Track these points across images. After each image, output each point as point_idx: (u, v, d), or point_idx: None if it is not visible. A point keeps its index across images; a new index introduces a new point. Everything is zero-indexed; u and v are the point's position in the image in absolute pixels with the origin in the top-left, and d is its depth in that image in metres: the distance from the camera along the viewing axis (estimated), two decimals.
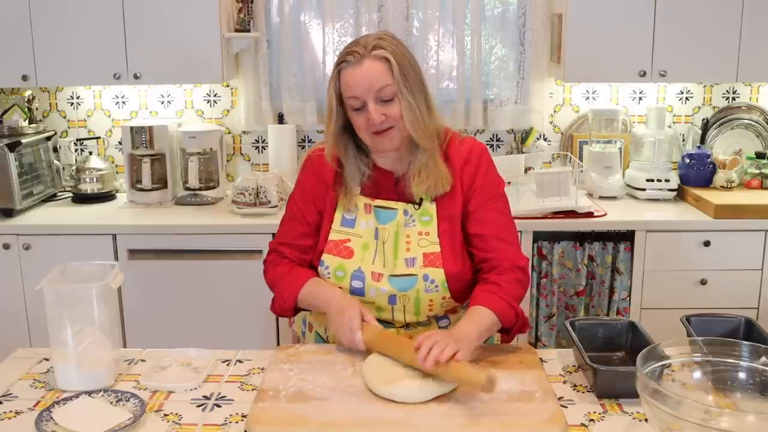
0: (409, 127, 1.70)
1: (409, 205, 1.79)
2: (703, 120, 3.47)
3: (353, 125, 1.74)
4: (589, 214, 3.03)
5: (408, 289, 1.76)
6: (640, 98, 3.55)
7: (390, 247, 1.77)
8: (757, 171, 3.32)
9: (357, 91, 1.68)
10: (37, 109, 3.49)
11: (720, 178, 3.30)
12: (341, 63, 1.70)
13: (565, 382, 1.62)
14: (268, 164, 3.51)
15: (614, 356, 1.72)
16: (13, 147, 3.11)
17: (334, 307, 1.73)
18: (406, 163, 1.79)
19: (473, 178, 1.79)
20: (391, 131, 1.71)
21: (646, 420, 1.43)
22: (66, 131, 3.60)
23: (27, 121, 3.41)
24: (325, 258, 1.80)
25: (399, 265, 1.76)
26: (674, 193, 3.29)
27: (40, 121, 3.53)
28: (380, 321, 1.78)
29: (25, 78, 3.18)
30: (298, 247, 1.86)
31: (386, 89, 1.68)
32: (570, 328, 1.72)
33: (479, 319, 1.66)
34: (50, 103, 3.57)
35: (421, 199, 1.78)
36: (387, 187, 1.81)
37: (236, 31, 3.30)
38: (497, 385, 1.44)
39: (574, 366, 1.71)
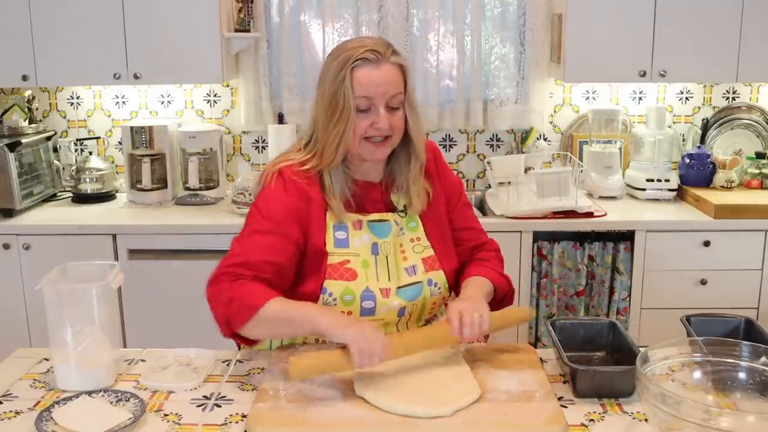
0: (414, 136, 1.71)
1: (395, 215, 1.77)
2: (703, 120, 3.46)
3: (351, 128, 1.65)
4: (589, 214, 3.03)
5: (416, 297, 1.73)
6: (640, 98, 3.55)
7: (392, 259, 1.73)
8: (757, 171, 3.32)
9: (371, 92, 1.62)
10: (37, 109, 3.49)
11: (720, 178, 3.30)
12: (357, 60, 1.62)
13: (565, 382, 1.62)
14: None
15: (594, 356, 1.72)
16: (13, 147, 3.11)
17: (335, 320, 1.54)
18: (382, 171, 1.77)
19: (445, 176, 1.86)
20: (387, 142, 1.68)
21: (646, 420, 1.43)
22: (66, 131, 3.60)
23: (27, 121, 3.41)
24: (328, 285, 1.67)
25: (402, 276, 1.73)
26: (674, 193, 3.29)
27: (40, 121, 3.53)
28: None
29: (25, 78, 3.18)
30: (274, 265, 1.65)
31: (397, 97, 1.65)
32: (551, 328, 1.72)
33: (480, 285, 1.75)
34: (50, 103, 3.57)
35: (405, 207, 1.78)
36: (372, 198, 1.76)
37: (236, 31, 3.30)
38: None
39: None
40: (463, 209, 1.89)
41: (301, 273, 1.71)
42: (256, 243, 1.65)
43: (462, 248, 1.87)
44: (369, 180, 1.76)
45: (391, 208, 1.77)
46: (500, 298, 1.82)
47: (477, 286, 1.74)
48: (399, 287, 1.72)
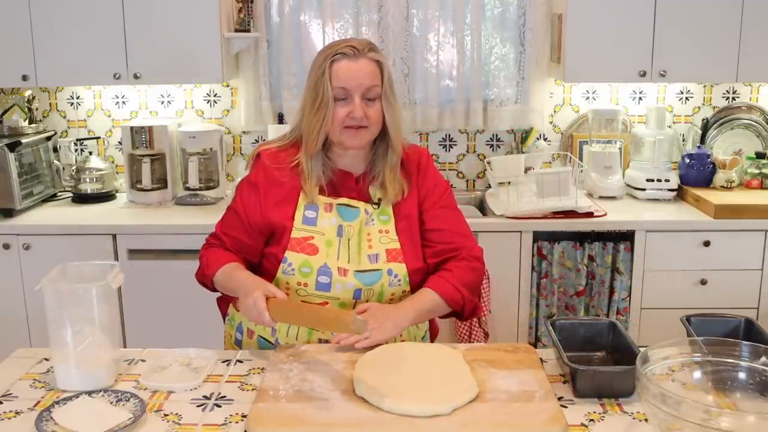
0: (390, 128, 1.82)
1: (369, 205, 1.87)
2: (703, 120, 3.47)
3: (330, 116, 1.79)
4: (589, 214, 3.03)
5: (373, 283, 1.82)
6: (640, 98, 3.55)
7: (354, 243, 1.84)
8: (757, 171, 3.32)
9: (348, 84, 1.76)
10: (37, 109, 3.49)
11: (720, 178, 3.30)
12: (336, 54, 1.76)
13: (565, 382, 1.62)
14: None
15: (594, 356, 1.72)
16: (13, 147, 3.11)
17: (241, 291, 1.75)
18: (364, 164, 1.88)
19: (425, 179, 1.92)
20: (364, 130, 1.79)
21: (646, 420, 1.43)
22: (66, 131, 3.60)
23: (27, 121, 3.41)
24: (289, 255, 1.81)
25: (363, 262, 1.83)
26: (674, 193, 3.29)
27: (40, 121, 3.53)
28: None
29: (25, 78, 3.18)
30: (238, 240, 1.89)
31: (374, 89, 1.78)
32: (551, 328, 1.72)
33: (422, 299, 1.80)
34: (50, 103, 3.58)
35: (380, 200, 1.87)
36: (347, 186, 1.88)
37: (236, 31, 3.30)
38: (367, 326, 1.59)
39: None
40: (439, 211, 1.90)
41: (271, 239, 1.87)
42: (228, 219, 1.91)
43: (431, 250, 1.88)
44: (350, 171, 1.88)
45: (366, 199, 1.87)
46: (458, 311, 1.85)
47: (416, 302, 1.80)
48: (358, 270, 1.82)
